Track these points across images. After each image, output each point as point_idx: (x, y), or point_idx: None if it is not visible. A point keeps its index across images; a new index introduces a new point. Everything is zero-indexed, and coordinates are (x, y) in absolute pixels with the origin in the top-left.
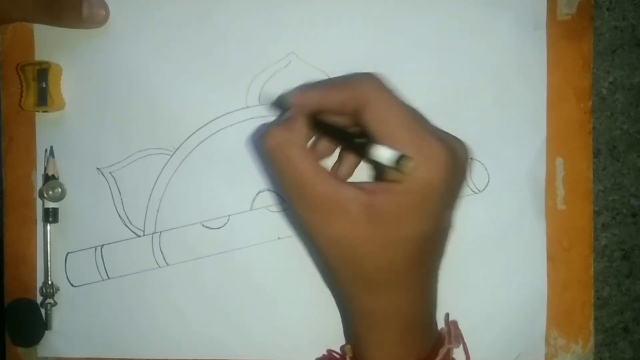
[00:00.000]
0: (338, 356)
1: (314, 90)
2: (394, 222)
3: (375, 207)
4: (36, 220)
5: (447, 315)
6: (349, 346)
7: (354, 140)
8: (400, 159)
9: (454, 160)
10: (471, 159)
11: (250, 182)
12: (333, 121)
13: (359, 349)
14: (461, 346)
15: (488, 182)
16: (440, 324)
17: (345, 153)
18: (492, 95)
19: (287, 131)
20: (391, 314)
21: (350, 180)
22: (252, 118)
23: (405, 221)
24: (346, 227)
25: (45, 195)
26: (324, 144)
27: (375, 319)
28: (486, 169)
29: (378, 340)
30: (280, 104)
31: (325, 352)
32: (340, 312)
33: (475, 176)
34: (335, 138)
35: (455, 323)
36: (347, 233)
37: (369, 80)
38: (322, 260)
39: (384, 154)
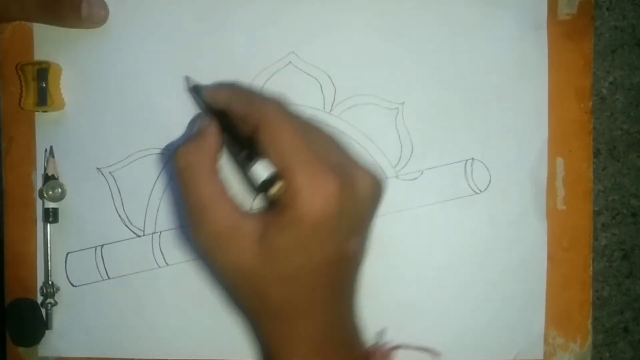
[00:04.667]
0: None
1: (226, 91)
2: (285, 255)
3: (267, 240)
4: (36, 220)
5: (381, 331)
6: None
7: (240, 152)
8: (268, 181)
9: (348, 193)
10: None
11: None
12: (239, 128)
13: None
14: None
15: (489, 182)
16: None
17: None
18: (493, 95)
19: (196, 151)
20: (294, 340)
21: None
22: None
23: (296, 254)
24: (240, 258)
25: (45, 195)
26: None
27: (279, 345)
28: (487, 169)
29: None
30: (198, 93)
31: None
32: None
33: (477, 176)
34: (232, 145)
35: (386, 346)
36: (241, 264)
37: (270, 104)
38: (220, 286)
39: (261, 171)
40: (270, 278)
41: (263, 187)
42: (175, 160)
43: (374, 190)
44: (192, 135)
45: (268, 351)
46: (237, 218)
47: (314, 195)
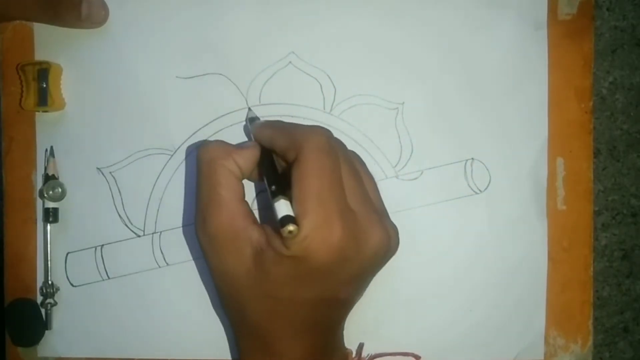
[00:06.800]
0: None
1: (269, 128)
2: (274, 282)
3: (262, 260)
4: (36, 220)
5: (360, 345)
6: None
7: (270, 184)
8: (284, 220)
9: (353, 245)
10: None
11: (250, 182)
12: (278, 163)
13: None
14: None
15: (489, 182)
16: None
17: None
18: (494, 95)
19: (227, 151)
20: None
21: None
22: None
23: (285, 286)
24: (236, 266)
25: (46, 195)
26: None
27: (250, 359)
28: (487, 169)
29: None
30: (249, 125)
31: None
32: None
33: (477, 176)
34: (266, 177)
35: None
36: (236, 273)
37: (312, 137)
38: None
39: (279, 208)
40: (254, 295)
41: (280, 223)
42: (199, 151)
43: (383, 249)
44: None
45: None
46: (243, 226)
47: (319, 241)
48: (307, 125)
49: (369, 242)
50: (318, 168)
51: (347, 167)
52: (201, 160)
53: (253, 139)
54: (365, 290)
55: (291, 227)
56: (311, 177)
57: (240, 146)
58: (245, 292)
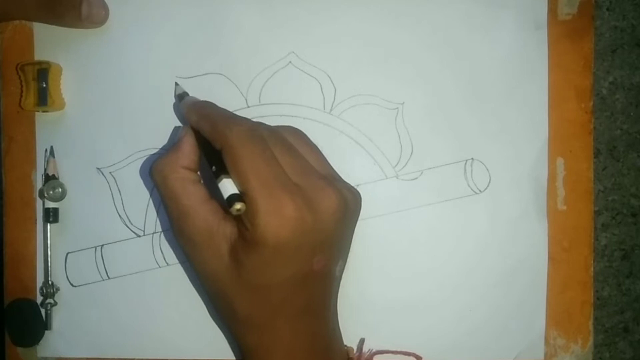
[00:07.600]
0: None
1: (195, 114)
2: (249, 271)
3: (235, 253)
4: (36, 220)
5: (361, 340)
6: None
7: (212, 165)
8: (230, 199)
9: (307, 215)
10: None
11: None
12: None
13: None
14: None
15: (489, 182)
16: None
17: None
18: (493, 95)
19: (172, 163)
20: (265, 350)
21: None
22: (252, 118)
23: (260, 272)
24: (213, 265)
25: (46, 195)
26: None
27: (252, 353)
28: (487, 169)
29: None
30: (179, 100)
31: None
32: None
33: (477, 176)
34: (205, 155)
35: (368, 353)
36: (214, 271)
37: (233, 130)
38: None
39: (225, 188)
40: (237, 289)
41: (228, 203)
42: (152, 175)
43: (340, 211)
44: (169, 147)
45: (245, 358)
46: (215, 224)
47: (272, 218)
48: (231, 116)
49: (323, 208)
50: (247, 155)
51: (278, 146)
52: (156, 182)
53: (182, 131)
54: (343, 259)
55: (238, 205)
56: (244, 162)
57: (179, 145)
58: (229, 288)
